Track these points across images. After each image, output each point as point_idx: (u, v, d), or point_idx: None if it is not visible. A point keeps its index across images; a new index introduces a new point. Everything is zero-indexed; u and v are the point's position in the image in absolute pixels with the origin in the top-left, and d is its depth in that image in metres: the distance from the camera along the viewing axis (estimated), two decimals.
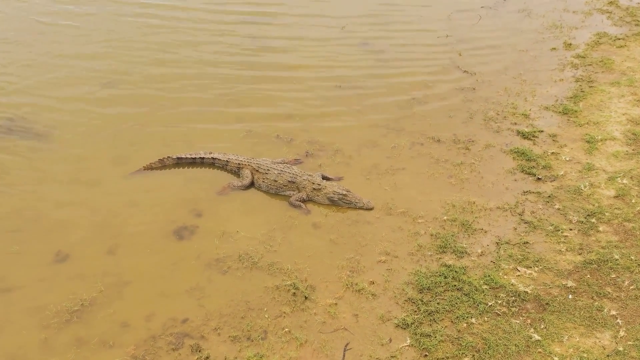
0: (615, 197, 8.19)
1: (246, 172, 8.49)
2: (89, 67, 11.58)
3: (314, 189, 8.12)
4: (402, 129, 9.87)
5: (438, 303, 6.43)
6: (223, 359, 5.83)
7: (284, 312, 6.34)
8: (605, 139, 9.52)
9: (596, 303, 6.47)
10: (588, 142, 9.47)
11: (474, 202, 8.09)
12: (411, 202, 8.08)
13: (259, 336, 6.05)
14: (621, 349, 5.90)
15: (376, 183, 8.51)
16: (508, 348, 5.90)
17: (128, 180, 8.45)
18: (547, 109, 10.54)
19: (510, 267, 6.97)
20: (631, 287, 6.67)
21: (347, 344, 5.99)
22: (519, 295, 6.53)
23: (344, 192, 8.01)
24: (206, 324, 6.20)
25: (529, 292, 6.58)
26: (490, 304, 6.41)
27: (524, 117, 10.26)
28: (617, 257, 7.08)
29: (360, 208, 7.97)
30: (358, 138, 9.57)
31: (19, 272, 6.84)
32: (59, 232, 7.45)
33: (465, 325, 6.17)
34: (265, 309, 6.39)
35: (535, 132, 9.74)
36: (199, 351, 5.89)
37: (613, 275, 6.85)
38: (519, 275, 6.85)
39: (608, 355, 5.84)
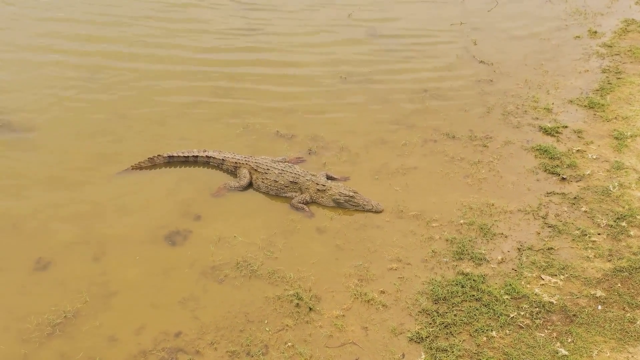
0: None
1: (244, 172, 8.46)
2: (70, 58, 11.56)
3: (318, 190, 8.09)
4: (413, 125, 9.85)
5: (455, 315, 6.39)
6: None
7: (287, 325, 6.31)
8: (636, 135, 9.50)
9: (628, 314, 6.43)
10: (617, 138, 9.45)
11: (493, 204, 8.06)
12: (424, 204, 8.04)
13: (259, 351, 6.01)
14: None
15: (386, 183, 8.48)
16: None
17: (115, 181, 8.42)
18: (571, 103, 10.53)
19: (534, 275, 6.93)
20: None
21: None
22: (543, 306, 6.50)
23: (351, 194, 7.98)
24: (201, 338, 6.16)
25: (555, 302, 6.54)
26: (512, 315, 6.37)
27: (546, 112, 10.25)
28: None
29: (369, 211, 7.94)
30: (365, 134, 9.56)
31: None
32: (40, 237, 7.41)
33: (485, 339, 6.13)
34: (266, 322, 6.35)
35: (558, 127, 9.73)
36: None
37: None
38: (543, 284, 6.81)
39: None
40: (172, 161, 8.79)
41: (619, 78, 11.30)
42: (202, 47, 12.13)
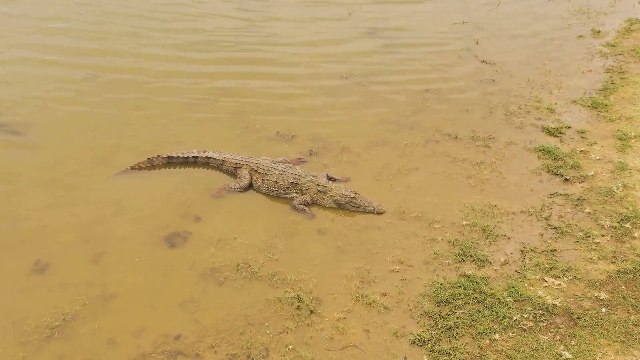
0: None
1: (244, 173, 8.45)
2: (68, 60, 11.54)
3: (319, 191, 8.08)
4: (415, 125, 9.84)
5: (457, 317, 6.38)
6: None
7: (288, 328, 6.29)
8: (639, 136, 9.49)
9: (632, 317, 6.40)
10: (620, 139, 9.44)
11: (496, 206, 8.04)
12: (426, 206, 8.03)
13: (259, 354, 5.99)
14: None
15: (387, 184, 8.47)
16: None
17: (113, 182, 8.40)
18: (574, 103, 10.52)
19: (537, 277, 6.92)
20: None
21: None
22: (546, 308, 6.48)
23: (352, 195, 7.97)
24: (201, 341, 6.14)
25: (558, 305, 6.53)
26: (515, 318, 6.36)
27: (549, 112, 10.24)
28: None
29: (370, 212, 7.92)
30: (367, 135, 9.55)
31: None
32: (38, 239, 7.39)
33: (488, 341, 6.12)
34: (267, 324, 6.33)
35: (561, 128, 9.72)
36: None
37: None
38: (546, 287, 6.80)
39: None
40: (171, 162, 8.78)
41: (622, 78, 11.29)
42: (202, 47, 12.12)
